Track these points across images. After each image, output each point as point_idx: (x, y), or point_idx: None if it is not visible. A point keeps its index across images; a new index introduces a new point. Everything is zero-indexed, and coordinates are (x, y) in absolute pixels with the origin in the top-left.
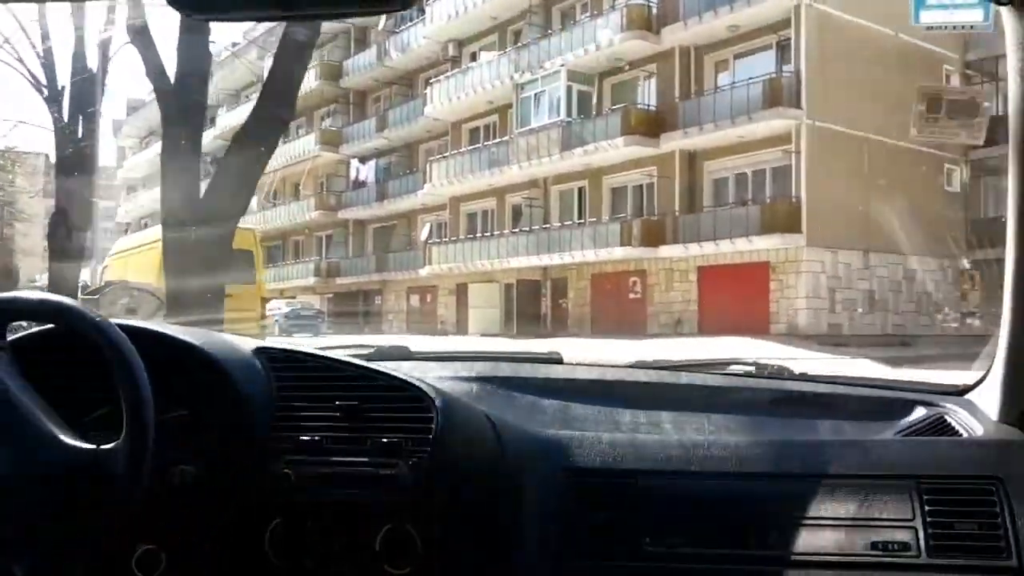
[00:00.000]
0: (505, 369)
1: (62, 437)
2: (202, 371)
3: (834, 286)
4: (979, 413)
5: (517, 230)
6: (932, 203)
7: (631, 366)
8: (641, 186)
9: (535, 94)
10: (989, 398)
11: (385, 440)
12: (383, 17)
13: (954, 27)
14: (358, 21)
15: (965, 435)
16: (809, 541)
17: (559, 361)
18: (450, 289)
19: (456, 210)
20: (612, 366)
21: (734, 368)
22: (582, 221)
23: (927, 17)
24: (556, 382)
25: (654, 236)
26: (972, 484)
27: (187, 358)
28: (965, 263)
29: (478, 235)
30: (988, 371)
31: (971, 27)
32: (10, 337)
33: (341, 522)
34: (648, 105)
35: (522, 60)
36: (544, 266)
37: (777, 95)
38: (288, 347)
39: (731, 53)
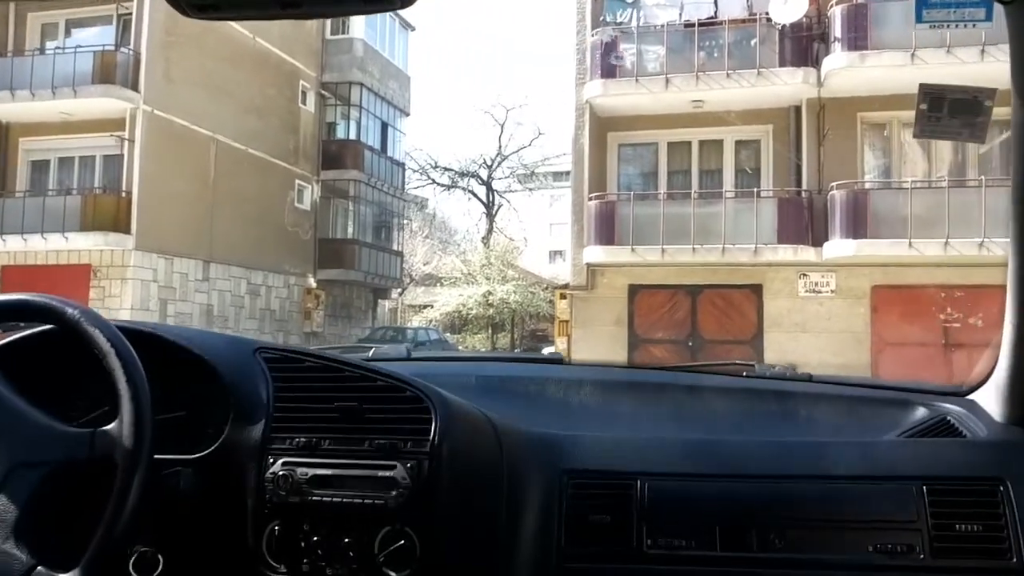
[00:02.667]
0: (505, 370)
1: (56, 426)
2: (201, 372)
3: (167, 297)
4: (982, 414)
5: None
6: (282, 218)
7: (631, 367)
8: None
9: None
10: (992, 399)
11: (384, 441)
12: None
13: (956, 25)
14: None
15: (968, 436)
16: (811, 542)
17: (559, 361)
18: None
19: None
20: (612, 366)
21: (734, 368)
22: None
23: (930, 15)
24: (556, 382)
25: None
26: (975, 485)
27: (186, 358)
28: (312, 281)
29: None
30: (991, 372)
31: (973, 25)
32: (10, 337)
33: (340, 523)
34: None
35: None
36: None
37: (109, 72)
38: (287, 348)
39: (64, 17)
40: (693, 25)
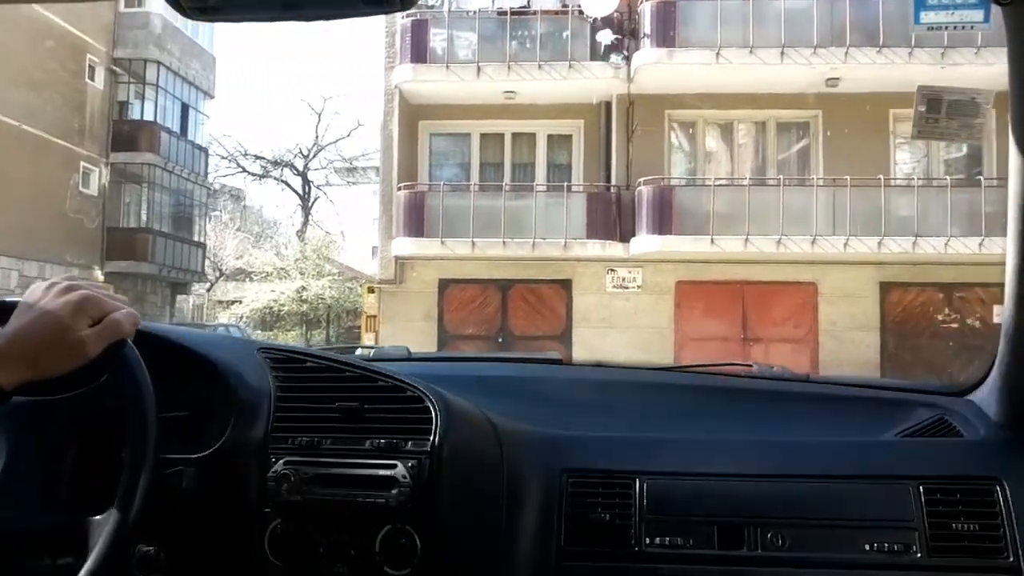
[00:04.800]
0: (505, 370)
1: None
2: (202, 371)
3: None
4: (979, 414)
5: None
6: (63, 203)
7: (631, 367)
8: None
9: None
10: (989, 398)
11: (385, 441)
12: None
13: (954, 27)
14: None
15: (965, 436)
16: (808, 541)
17: (559, 362)
18: None
19: None
20: (611, 367)
21: (734, 368)
22: None
23: (928, 17)
24: (556, 382)
25: None
26: (972, 485)
27: (187, 358)
28: (99, 274)
29: None
30: (988, 371)
31: (971, 26)
32: None
33: (341, 522)
34: None
35: None
36: None
37: None
38: (288, 347)
39: None
40: (506, 13)
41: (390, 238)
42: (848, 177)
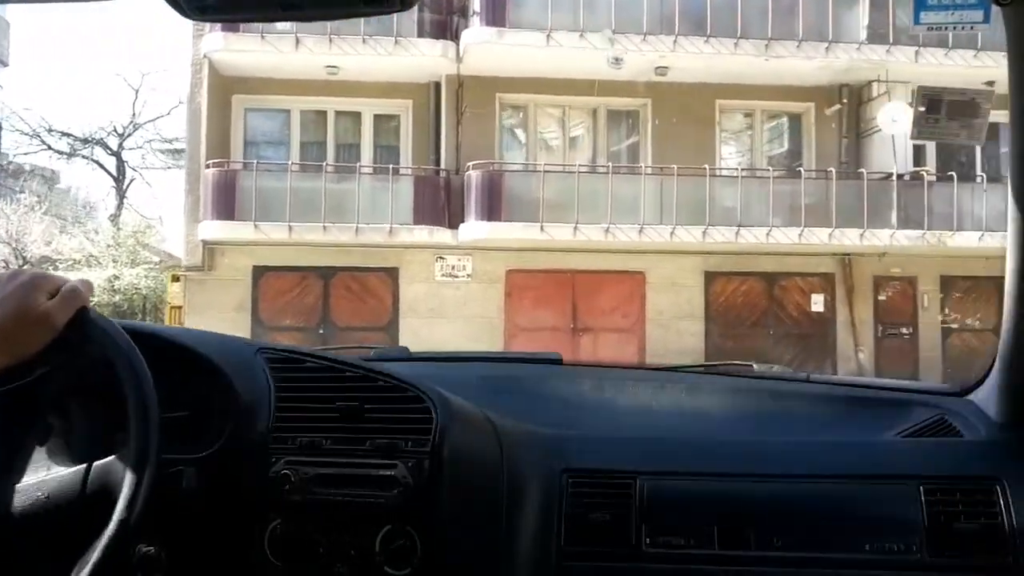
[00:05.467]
0: (505, 370)
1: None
2: (202, 371)
3: None
4: (979, 414)
5: None
6: None
7: (630, 367)
8: None
9: None
10: (989, 398)
11: (385, 441)
12: None
13: (954, 27)
14: None
15: (965, 436)
16: (809, 541)
17: (559, 361)
18: None
19: None
20: (611, 366)
21: (734, 369)
22: None
23: (928, 18)
24: (556, 382)
25: None
26: (972, 484)
27: (188, 358)
28: None
29: None
30: (988, 371)
31: (971, 27)
32: None
33: (341, 522)
34: None
35: None
36: None
37: None
38: (288, 347)
39: None
40: None
41: (196, 221)
42: (675, 166)
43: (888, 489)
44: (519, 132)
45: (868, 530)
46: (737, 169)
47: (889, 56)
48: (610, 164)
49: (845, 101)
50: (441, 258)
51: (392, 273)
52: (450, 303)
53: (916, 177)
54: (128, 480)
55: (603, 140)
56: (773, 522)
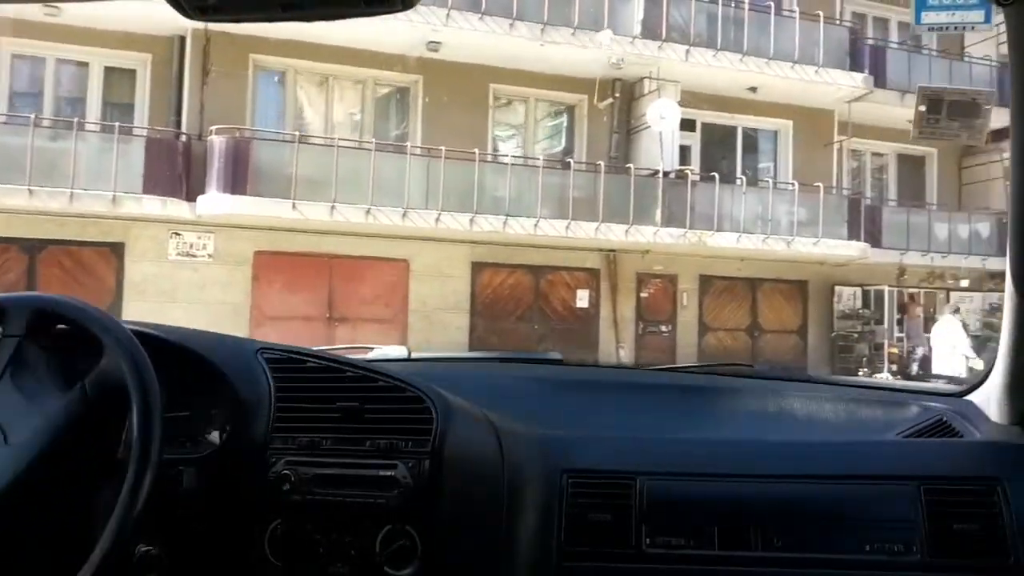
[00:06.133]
0: (505, 370)
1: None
2: (203, 372)
3: None
4: (979, 414)
5: None
6: None
7: (630, 367)
8: None
9: None
10: (989, 399)
11: (385, 441)
12: None
13: (955, 27)
14: None
15: (965, 436)
16: (809, 542)
17: (559, 362)
18: None
19: None
20: (611, 367)
21: (734, 369)
22: None
23: (929, 18)
24: (556, 382)
25: None
26: (972, 485)
27: (188, 359)
28: None
29: None
30: (988, 372)
31: (972, 27)
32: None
33: (341, 522)
34: None
35: None
36: None
37: None
38: (288, 348)
39: None
40: None
41: None
42: (443, 148)
43: (888, 489)
44: (275, 98)
45: (868, 530)
46: (508, 156)
47: (661, 53)
48: (374, 140)
49: (617, 95)
50: (177, 234)
51: (117, 249)
52: (186, 286)
53: (681, 176)
54: (129, 479)
55: (370, 116)
56: (773, 522)
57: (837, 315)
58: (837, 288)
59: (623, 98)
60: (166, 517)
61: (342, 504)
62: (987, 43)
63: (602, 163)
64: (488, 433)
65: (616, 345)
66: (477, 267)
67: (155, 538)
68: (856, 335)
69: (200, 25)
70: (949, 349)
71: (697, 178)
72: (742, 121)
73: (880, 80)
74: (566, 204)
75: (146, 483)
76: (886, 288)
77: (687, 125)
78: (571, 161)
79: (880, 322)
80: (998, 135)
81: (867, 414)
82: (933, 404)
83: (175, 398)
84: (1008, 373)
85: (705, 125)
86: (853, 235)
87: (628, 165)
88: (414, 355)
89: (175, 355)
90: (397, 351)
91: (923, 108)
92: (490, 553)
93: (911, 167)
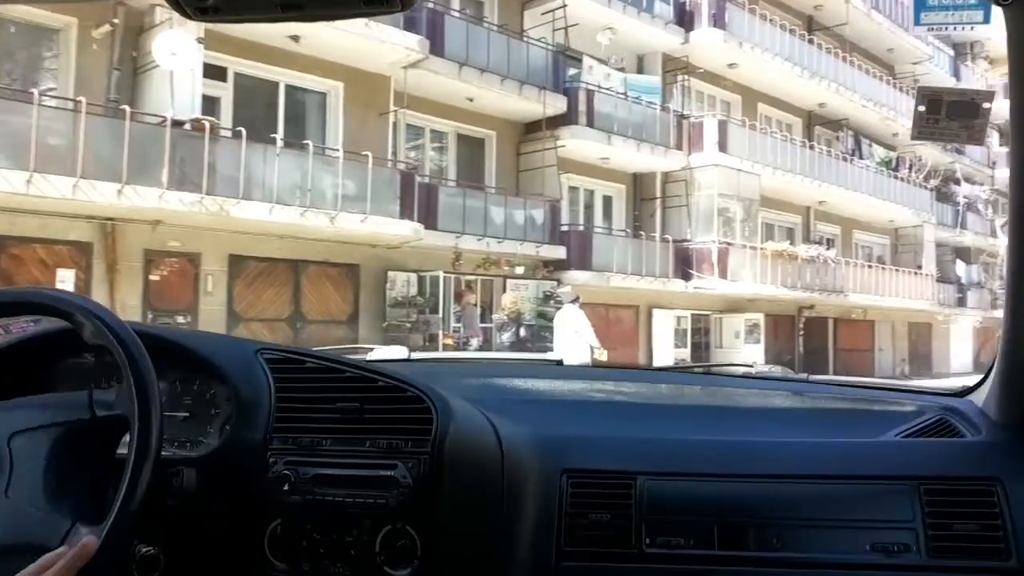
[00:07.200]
0: (505, 370)
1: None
2: (203, 372)
3: None
4: (979, 414)
5: None
6: None
7: (631, 367)
8: None
9: None
10: (989, 399)
11: (385, 441)
12: None
13: (954, 27)
14: None
15: (966, 436)
16: (808, 542)
17: (559, 363)
18: None
19: None
20: (612, 367)
21: (733, 369)
22: None
23: (928, 18)
24: (556, 383)
25: None
26: (973, 485)
27: (187, 358)
28: None
29: None
30: (989, 372)
31: (971, 27)
32: (13, 337)
33: (341, 523)
34: None
35: None
36: None
37: None
38: (288, 348)
39: None
40: None
41: None
42: None
43: (888, 489)
44: None
45: (868, 531)
46: None
47: None
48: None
49: (118, 21)
50: None
51: None
52: None
53: (198, 128)
54: (128, 477)
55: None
56: (773, 523)
57: (390, 303)
58: (390, 274)
59: (129, 28)
60: (167, 518)
61: (342, 504)
62: (545, 27)
63: (83, 99)
64: (488, 433)
65: None
66: None
67: (155, 538)
68: (409, 325)
69: None
70: (572, 335)
71: (223, 134)
72: (286, 77)
73: (438, 48)
74: (27, 150)
75: (145, 481)
76: (441, 274)
77: (216, 73)
78: (34, 92)
79: (435, 311)
80: (552, 122)
81: (867, 414)
82: (933, 404)
83: (175, 398)
84: (1009, 373)
85: (240, 76)
86: (406, 214)
87: (123, 107)
88: (414, 355)
89: (174, 355)
90: (397, 351)
91: (922, 108)
92: (490, 553)
93: (471, 148)
